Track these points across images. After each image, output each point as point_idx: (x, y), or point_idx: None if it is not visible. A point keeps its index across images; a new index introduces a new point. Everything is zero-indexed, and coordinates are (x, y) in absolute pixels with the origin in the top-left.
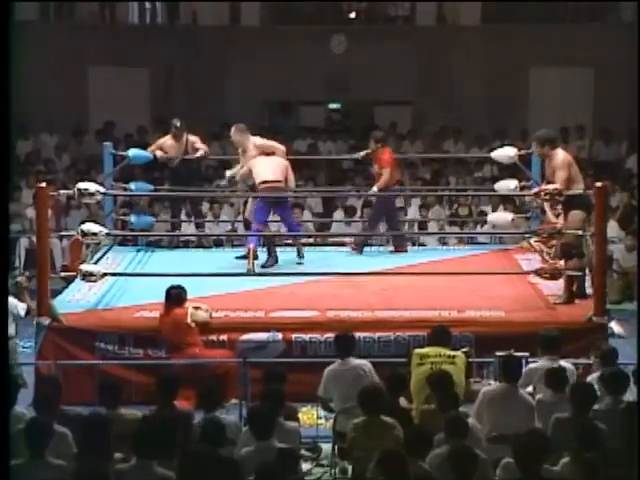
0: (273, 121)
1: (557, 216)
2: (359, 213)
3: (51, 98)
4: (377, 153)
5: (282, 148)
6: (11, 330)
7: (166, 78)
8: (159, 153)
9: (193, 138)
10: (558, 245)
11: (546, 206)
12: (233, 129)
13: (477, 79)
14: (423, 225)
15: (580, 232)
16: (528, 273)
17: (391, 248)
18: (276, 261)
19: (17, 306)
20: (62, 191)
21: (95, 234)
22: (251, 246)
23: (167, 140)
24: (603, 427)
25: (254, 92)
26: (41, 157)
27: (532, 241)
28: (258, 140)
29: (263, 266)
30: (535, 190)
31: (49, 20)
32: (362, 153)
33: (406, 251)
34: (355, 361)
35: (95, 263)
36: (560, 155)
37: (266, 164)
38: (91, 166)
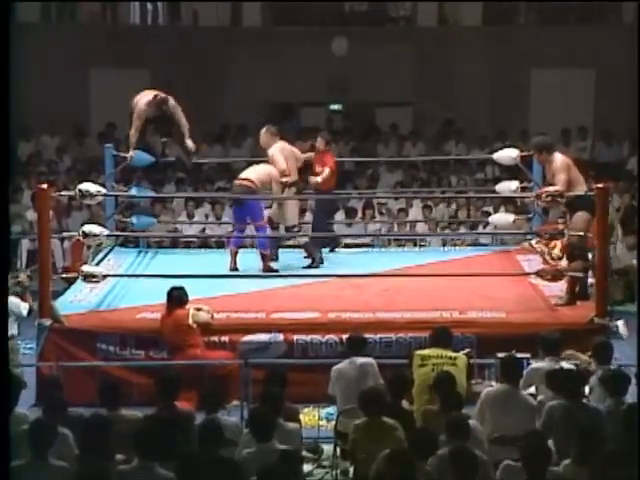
0: (274, 122)
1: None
2: (359, 214)
3: (52, 99)
4: (322, 153)
5: (279, 166)
6: (14, 330)
7: (167, 79)
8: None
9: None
10: (563, 246)
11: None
12: (264, 130)
13: (478, 80)
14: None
15: (583, 234)
16: (530, 274)
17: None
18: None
19: (19, 305)
20: (63, 192)
21: (96, 235)
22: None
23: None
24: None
25: (255, 93)
26: (42, 158)
27: (533, 242)
28: (275, 148)
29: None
30: (536, 192)
31: (51, 22)
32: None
33: (315, 260)
34: (360, 360)
35: (96, 264)
36: (558, 158)
37: (254, 166)
38: (92, 167)
